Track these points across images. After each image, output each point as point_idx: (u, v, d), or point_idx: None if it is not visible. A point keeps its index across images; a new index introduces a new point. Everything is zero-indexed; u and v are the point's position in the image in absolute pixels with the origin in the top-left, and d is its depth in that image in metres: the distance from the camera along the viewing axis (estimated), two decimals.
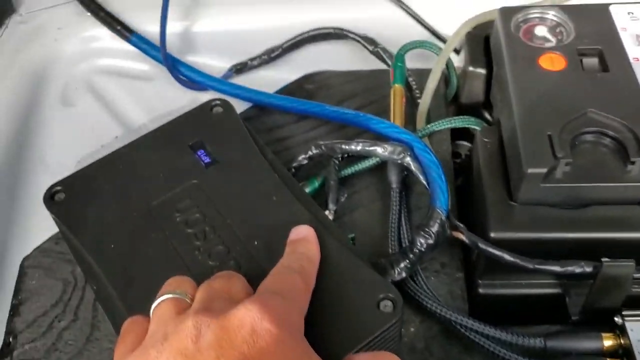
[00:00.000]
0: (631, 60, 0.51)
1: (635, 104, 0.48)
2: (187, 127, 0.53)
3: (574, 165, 0.45)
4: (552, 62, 0.52)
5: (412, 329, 0.48)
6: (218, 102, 0.55)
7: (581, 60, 0.52)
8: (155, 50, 0.70)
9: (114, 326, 0.46)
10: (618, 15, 0.56)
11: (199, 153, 0.51)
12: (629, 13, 0.56)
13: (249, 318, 0.33)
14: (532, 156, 0.45)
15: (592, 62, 0.52)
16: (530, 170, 0.44)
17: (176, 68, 0.69)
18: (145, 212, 0.47)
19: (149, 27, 0.73)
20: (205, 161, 0.50)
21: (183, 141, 0.52)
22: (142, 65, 0.74)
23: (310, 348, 0.35)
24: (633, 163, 0.44)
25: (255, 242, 0.44)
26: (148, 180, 0.49)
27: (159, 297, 0.37)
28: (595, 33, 0.54)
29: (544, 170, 0.44)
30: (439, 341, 0.48)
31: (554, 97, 0.49)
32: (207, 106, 0.55)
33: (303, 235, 0.43)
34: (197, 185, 0.48)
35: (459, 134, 0.66)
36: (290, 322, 0.35)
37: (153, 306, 0.37)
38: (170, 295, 0.37)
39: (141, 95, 0.72)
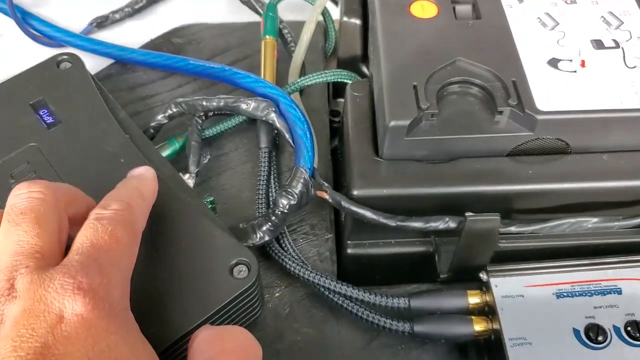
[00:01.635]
0: (504, 7, 0.52)
1: (504, 52, 0.48)
2: (29, 84, 0.51)
3: (439, 117, 0.45)
4: (423, 9, 0.51)
5: (277, 294, 0.48)
6: (65, 56, 0.52)
7: (454, 8, 0.52)
8: (1, 1, 0.66)
9: None
10: None
11: (41, 113, 0.49)
12: None
13: (57, 302, 0.30)
14: (396, 108, 0.44)
15: (465, 9, 0.52)
16: (393, 123, 0.44)
17: (27, 22, 0.66)
18: None
19: None
20: (48, 121, 0.48)
21: (23, 100, 0.49)
22: None
23: (135, 327, 0.33)
24: (500, 113, 0.45)
25: None
26: None
27: None
28: None
29: (407, 122, 0.44)
30: (304, 305, 0.48)
31: (423, 45, 0.48)
32: (53, 61, 0.52)
33: (139, 173, 0.41)
34: (36, 148, 0.46)
35: (341, 91, 0.65)
36: (108, 298, 0.32)
37: None
38: None
39: None
